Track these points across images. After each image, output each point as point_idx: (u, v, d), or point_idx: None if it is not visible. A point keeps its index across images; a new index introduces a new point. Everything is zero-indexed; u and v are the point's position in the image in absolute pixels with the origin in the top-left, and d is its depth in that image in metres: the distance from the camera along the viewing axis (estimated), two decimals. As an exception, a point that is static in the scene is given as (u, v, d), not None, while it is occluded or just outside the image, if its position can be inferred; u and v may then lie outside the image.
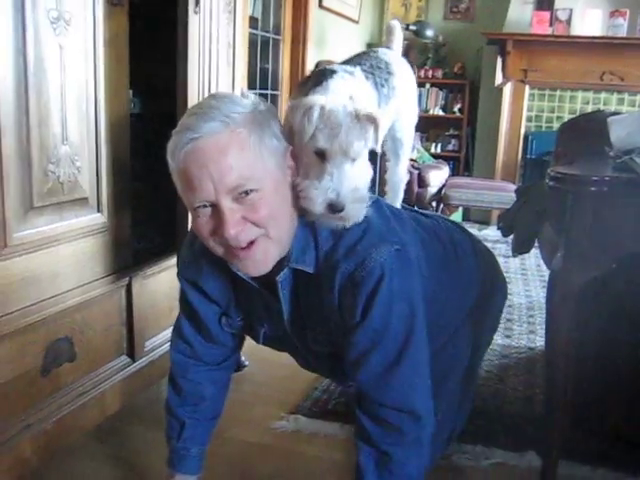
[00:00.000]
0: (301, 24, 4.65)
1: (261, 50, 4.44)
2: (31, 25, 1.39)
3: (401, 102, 1.54)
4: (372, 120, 1.20)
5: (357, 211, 1.22)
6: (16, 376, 1.49)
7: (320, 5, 4.86)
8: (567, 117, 5.44)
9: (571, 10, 5.40)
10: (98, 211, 1.68)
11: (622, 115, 1.82)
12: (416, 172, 4.77)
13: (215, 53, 1.97)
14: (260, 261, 1.24)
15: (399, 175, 1.75)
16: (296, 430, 2.03)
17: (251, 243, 1.21)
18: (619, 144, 1.71)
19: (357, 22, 5.74)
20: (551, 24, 5.43)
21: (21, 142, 1.41)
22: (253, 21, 4.25)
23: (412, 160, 5.02)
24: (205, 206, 1.18)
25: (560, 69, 5.45)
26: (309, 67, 4.74)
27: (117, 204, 1.74)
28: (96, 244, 1.69)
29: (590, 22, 5.32)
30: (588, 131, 1.94)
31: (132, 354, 1.89)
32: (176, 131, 1.20)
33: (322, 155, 1.20)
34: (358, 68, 1.41)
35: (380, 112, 1.26)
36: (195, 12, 1.76)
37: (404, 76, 1.59)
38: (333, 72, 1.33)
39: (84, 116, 1.58)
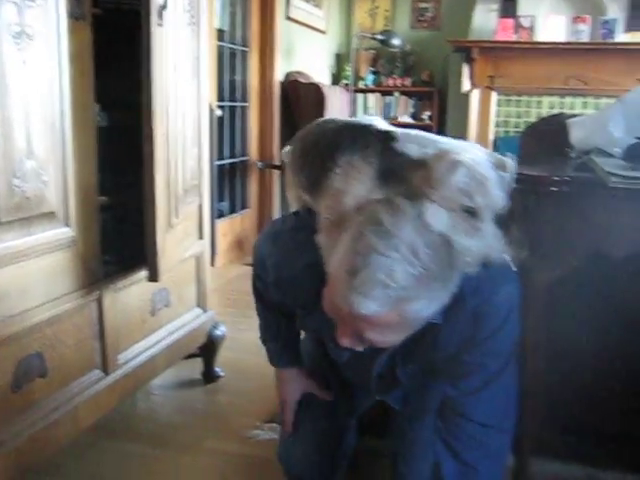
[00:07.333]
0: (268, 35, 4.68)
1: (230, 62, 4.46)
2: (-7, 41, 1.39)
3: None
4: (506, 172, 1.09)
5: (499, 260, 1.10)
6: (-14, 393, 1.49)
7: (287, 17, 4.89)
8: (534, 122, 5.52)
9: (534, 17, 5.50)
10: (66, 225, 1.67)
11: (581, 117, 1.87)
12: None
13: (180, 65, 1.98)
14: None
15: None
16: (272, 439, 2.03)
17: None
18: (579, 145, 1.76)
19: (324, 33, 5.79)
20: (516, 31, 5.52)
21: (-15, 157, 1.40)
22: (220, 33, 4.27)
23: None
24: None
25: (525, 75, 5.53)
26: (278, 78, 4.77)
27: (85, 218, 1.74)
28: (65, 258, 1.69)
29: (553, 28, 5.42)
30: (549, 134, 1.98)
31: (105, 368, 1.88)
32: (342, 279, 1.00)
33: (472, 213, 1.03)
34: None
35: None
36: (159, 25, 1.77)
37: None
38: None
39: (49, 131, 1.58)
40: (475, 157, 1.06)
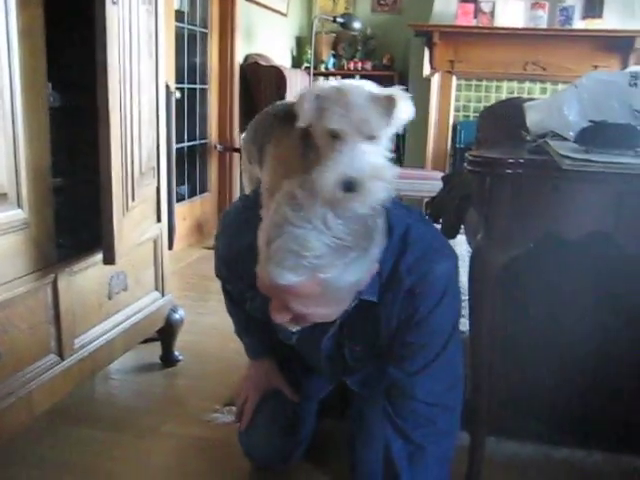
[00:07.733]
0: (228, 17, 4.62)
1: (189, 44, 4.40)
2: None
3: None
4: (391, 101, 1.08)
5: (378, 190, 1.06)
6: (-64, 378, 1.45)
7: (247, -2, 4.84)
8: (493, 106, 5.58)
9: (494, 2, 5.53)
10: (18, 207, 1.64)
11: (537, 101, 1.89)
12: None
13: (136, 45, 1.95)
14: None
15: None
16: (231, 422, 2.03)
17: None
18: (534, 128, 1.78)
19: (285, 15, 5.74)
20: (475, 16, 5.55)
21: None
22: (180, 14, 4.20)
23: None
24: None
25: (485, 60, 5.58)
26: (238, 60, 4.72)
27: (38, 200, 1.70)
28: (17, 241, 1.65)
29: (512, 14, 5.47)
30: (505, 117, 2.00)
31: (61, 352, 1.86)
32: (264, 251, 1.04)
33: (336, 136, 1.06)
34: None
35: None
36: (113, 3, 1.73)
37: None
38: None
39: (-1, 109, 1.54)
40: (350, 89, 1.07)
